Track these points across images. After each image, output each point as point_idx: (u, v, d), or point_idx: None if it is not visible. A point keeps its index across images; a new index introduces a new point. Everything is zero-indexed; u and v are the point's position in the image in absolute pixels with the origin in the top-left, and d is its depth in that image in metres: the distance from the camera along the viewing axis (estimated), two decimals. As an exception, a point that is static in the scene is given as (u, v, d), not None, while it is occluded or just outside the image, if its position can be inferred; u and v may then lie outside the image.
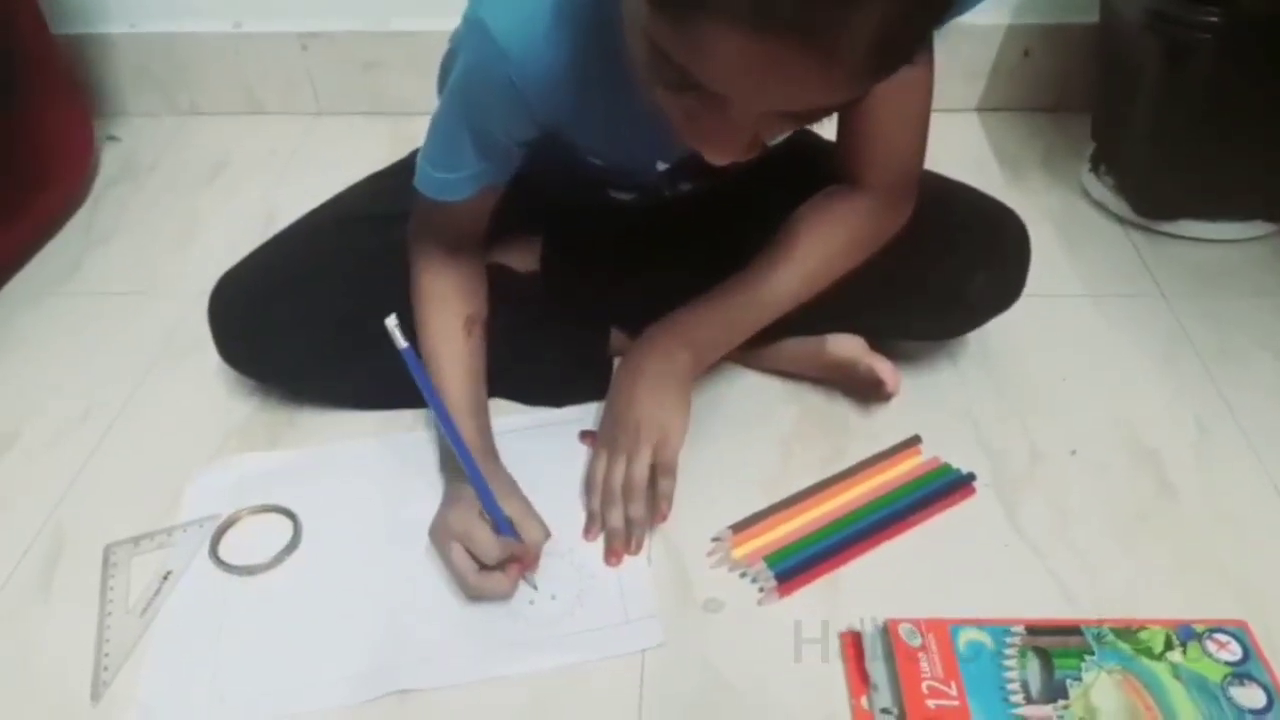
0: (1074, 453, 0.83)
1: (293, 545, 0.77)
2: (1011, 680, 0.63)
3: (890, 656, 0.65)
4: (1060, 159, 1.25)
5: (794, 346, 0.88)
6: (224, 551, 0.76)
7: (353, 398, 0.88)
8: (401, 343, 0.60)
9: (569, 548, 0.75)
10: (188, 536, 0.78)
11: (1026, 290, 0.85)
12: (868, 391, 0.87)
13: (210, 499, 0.81)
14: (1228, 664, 0.64)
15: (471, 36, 0.63)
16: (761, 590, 0.72)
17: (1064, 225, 1.13)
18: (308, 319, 0.82)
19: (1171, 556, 0.75)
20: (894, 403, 0.86)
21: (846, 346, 0.86)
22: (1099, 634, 0.66)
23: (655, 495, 0.74)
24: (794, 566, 0.73)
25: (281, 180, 1.27)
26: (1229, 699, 0.62)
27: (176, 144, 1.37)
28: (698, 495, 0.78)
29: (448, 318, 0.77)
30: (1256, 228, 1.09)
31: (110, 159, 1.33)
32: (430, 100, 0.72)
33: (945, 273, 0.81)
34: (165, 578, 0.74)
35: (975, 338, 0.93)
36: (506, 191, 0.82)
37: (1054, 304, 0.99)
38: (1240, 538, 0.76)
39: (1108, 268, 1.06)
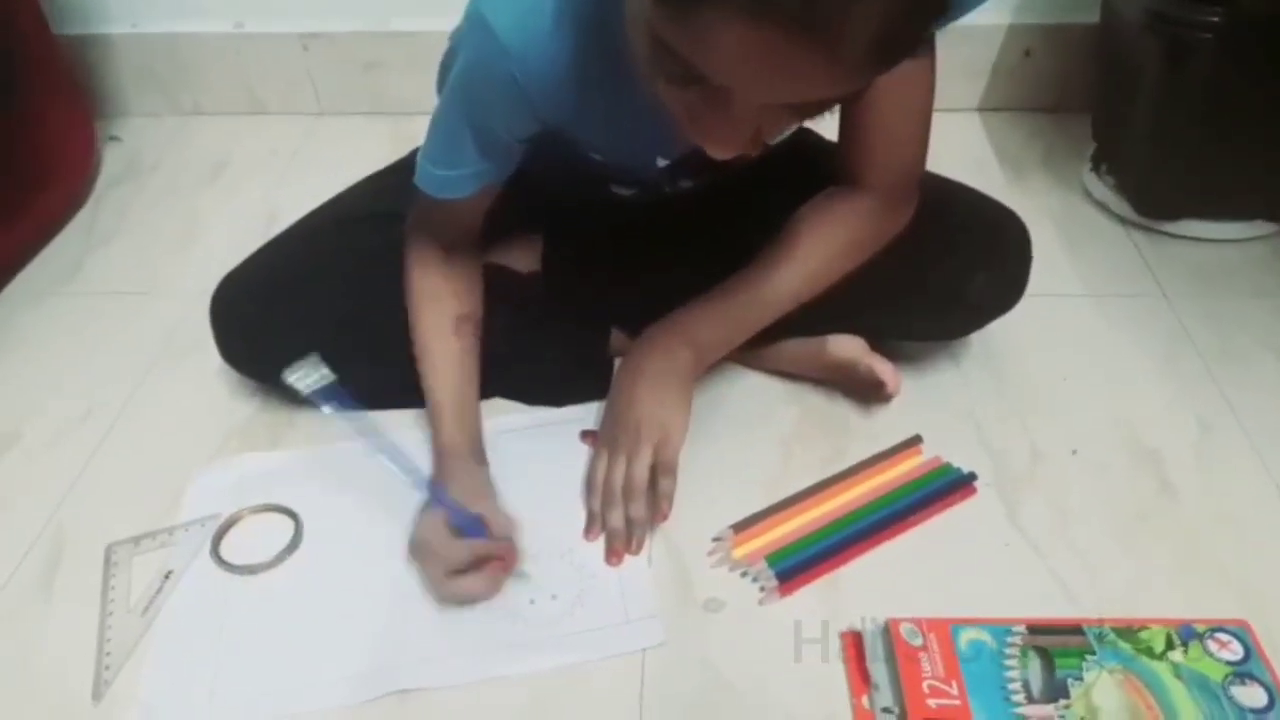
0: (1075, 452, 0.83)
1: (294, 545, 0.77)
2: (1013, 680, 0.63)
3: (891, 656, 0.65)
4: (1061, 159, 1.25)
5: (794, 347, 0.88)
6: (225, 551, 0.77)
7: (353, 398, 0.88)
8: (306, 390, 0.65)
9: (569, 548, 0.75)
10: (189, 536, 0.78)
11: (1027, 290, 0.85)
12: (868, 392, 0.87)
13: (211, 498, 0.81)
14: (1229, 663, 0.64)
15: (473, 33, 0.63)
16: (762, 590, 0.72)
17: (1065, 225, 1.13)
18: (309, 319, 0.82)
19: (1172, 556, 0.75)
20: (895, 403, 0.86)
21: (847, 347, 0.86)
22: (1100, 633, 0.66)
23: (656, 495, 0.74)
24: (795, 566, 0.73)
25: (282, 180, 1.27)
26: (1230, 698, 0.62)
27: (178, 144, 1.37)
28: (698, 495, 0.78)
29: (439, 316, 0.77)
30: (1258, 227, 1.09)
31: (112, 159, 1.33)
32: (431, 100, 0.72)
33: (946, 273, 0.81)
34: (166, 577, 0.74)
35: (976, 338, 0.93)
36: (507, 191, 0.82)
37: (1055, 304, 0.99)
38: (1241, 537, 0.76)
39: (1109, 268, 1.06)
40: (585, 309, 0.90)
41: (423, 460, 0.82)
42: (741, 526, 0.76)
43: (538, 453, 0.82)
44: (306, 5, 1.32)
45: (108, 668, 0.68)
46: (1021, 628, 0.66)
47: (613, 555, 0.74)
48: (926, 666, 0.64)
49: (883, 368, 0.84)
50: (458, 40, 0.68)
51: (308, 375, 0.68)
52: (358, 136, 1.34)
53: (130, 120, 1.41)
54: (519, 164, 0.73)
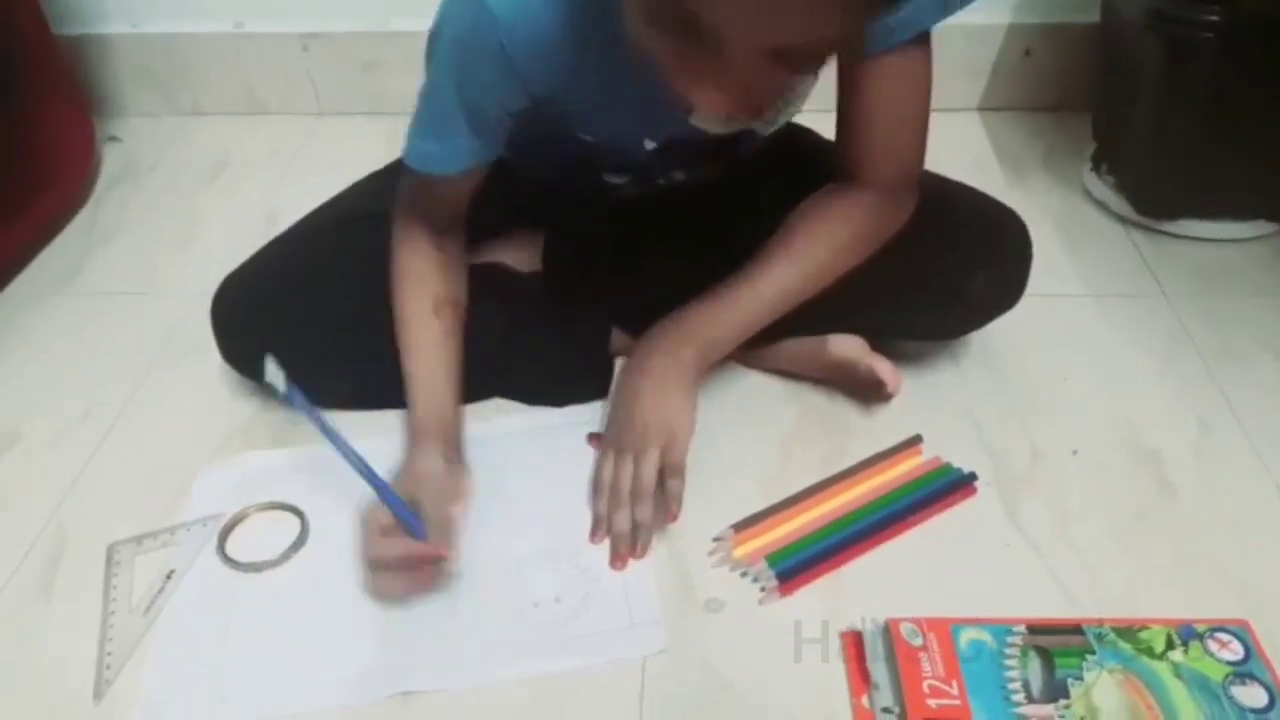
0: (1075, 452, 0.83)
1: (300, 543, 0.76)
2: (1013, 680, 0.63)
3: (891, 656, 0.65)
4: (1061, 158, 1.25)
5: (794, 347, 0.88)
6: (231, 548, 0.76)
7: (354, 397, 0.88)
8: (281, 387, 0.65)
9: (575, 551, 0.75)
10: (191, 535, 0.78)
11: (1027, 290, 0.85)
12: (868, 392, 0.87)
13: (215, 497, 0.81)
14: (1229, 663, 0.64)
15: (462, 2, 0.62)
16: (763, 590, 0.72)
17: (1065, 225, 1.13)
18: (309, 319, 0.82)
19: (1173, 556, 0.75)
20: (895, 402, 0.86)
21: (847, 347, 0.86)
22: (1100, 633, 0.66)
23: (665, 496, 0.73)
24: (795, 566, 0.73)
25: (282, 180, 1.27)
26: (1230, 698, 0.62)
27: (177, 144, 1.37)
28: (699, 495, 0.78)
29: (420, 298, 0.77)
30: (1258, 227, 1.09)
31: (111, 159, 1.33)
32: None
33: (946, 273, 0.81)
34: (168, 577, 0.74)
35: (976, 337, 0.93)
36: (505, 190, 0.82)
37: (1055, 304, 0.99)
38: (1241, 537, 0.76)
39: (1109, 267, 1.06)
40: (586, 308, 0.90)
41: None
42: (742, 526, 0.76)
43: (544, 455, 0.82)
44: (306, 5, 1.33)
45: (109, 667, 0.68)
46: (1021, 627, 0.66)
47: (618, 559, 0.74)
48: (927, 666, 0.64)
49: (882, 367, 0.84)
50: (445, 10, 0.68)
51: (276, 376, 0.67)
52: (358, 136, 1.33)
53: (130, 120, 1.41)
54: (515, 159, 0.73)
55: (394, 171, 0.91)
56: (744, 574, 0.74)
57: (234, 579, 0.74)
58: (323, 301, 0.82)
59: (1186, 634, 0.66)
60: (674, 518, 0.75)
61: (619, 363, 0.91)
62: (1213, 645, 0.65)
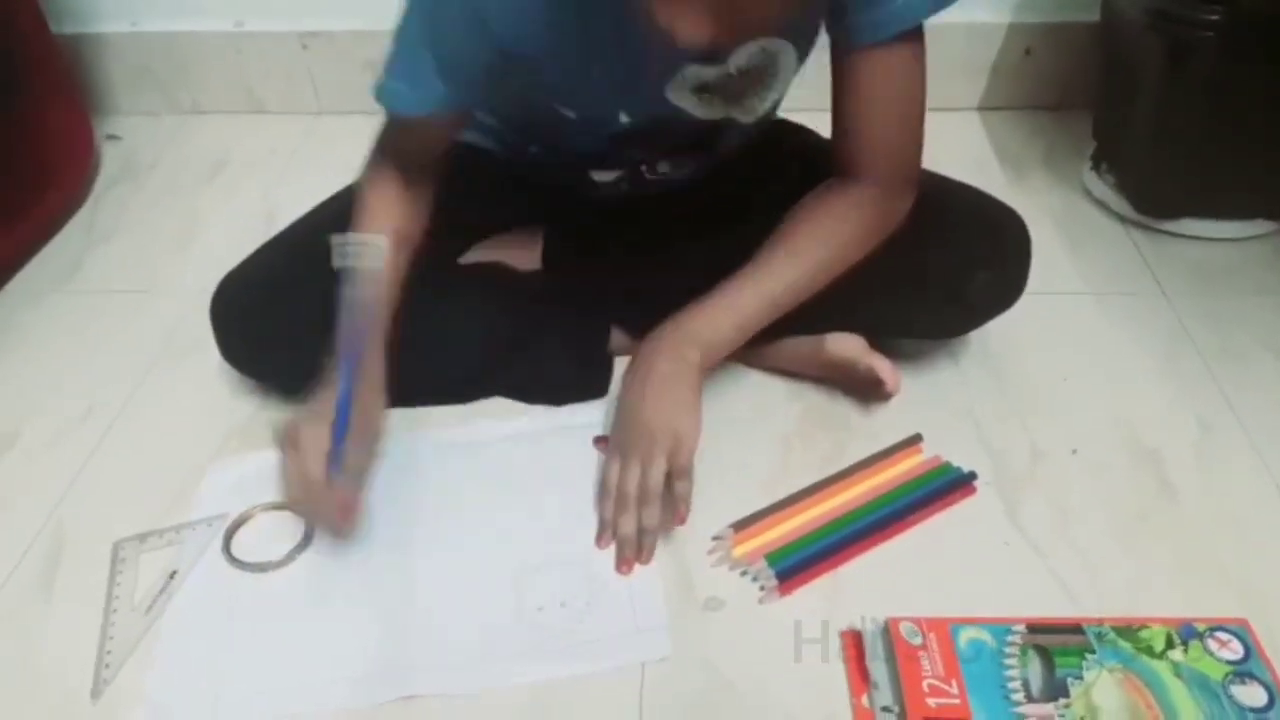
0: (1075, 452, 0.83)
1: (304, 544, 0.76)
2: (1013, 679, 0.63)
3: (891, 655, 0.65)
4: (1061, 158, 1.25)
5: (794, 346, 0.88)
6: (236, 548, 0.76)
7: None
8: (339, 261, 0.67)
9: (581, 555, 0.75)
10: (196, 535, 0.77)
11: (1027, 289, 0.85)
12: (868, 391, 0.87)
13: (221, 497, 0.80)
14: (1229, 662, 0.64)
15: None
16: (762, 589, 0.72)
17: (1065, 224, 1.13)
18: (309, 318, 0.81)
19: (1172, 555, 0.75)
20: (895, 401, 0.86)
21: (846, 346, 0.86)
22: (1100, 632, 0.66)
23: (673, 498, 0.73)
24: (795, 565, 0.73)
25: (282, 179, 1.27)
26: (1230, 697, 0.62)
27: (177, 143, 1.37)
28: (699, 494, 0.78)
29: (380, 227, 0.77)
30: (1258, 226, 1.09)
31: (111, 158, 1.33)
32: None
33: (946, 271, 0.81)
34: (171, 577, 0.74)
35: (976, 336, 0.93)
36: (504, 189, 0.82)
37: (1055, 303, 0.99)
38: (1241, 537, 0.76)
39: (1109, 266, 1.06)
40: (585, 307, 0.90)
41: (436, 461, 0.83)
42: (741, 525, 0.76)
43: (550, 458, 0.82)
44: (306, 4, 1.32)
45: (108, 666, 0.68)
46: (1021, 627, 0.66)
47: (623, 564, 0.73)
48: (926, 666, 0.64)
49: (882, 366, 0.84)
50: None
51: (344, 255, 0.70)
52: (357, 135, 1.31)
53: (129, 119, 1.41)
54: (503, 149, 0.73)
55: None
56: (743, 573, 0.74)
57: (238, 579, 0.74)
58: (322, 299, 0.82)
59: (1186, 633, 0.66)
60: (682, 521, 0.74)
61: (618, 362, 0.91)
62: (1212, 644, 0.65)
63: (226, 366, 0.88)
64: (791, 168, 0.81)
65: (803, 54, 0.76)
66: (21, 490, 0.83)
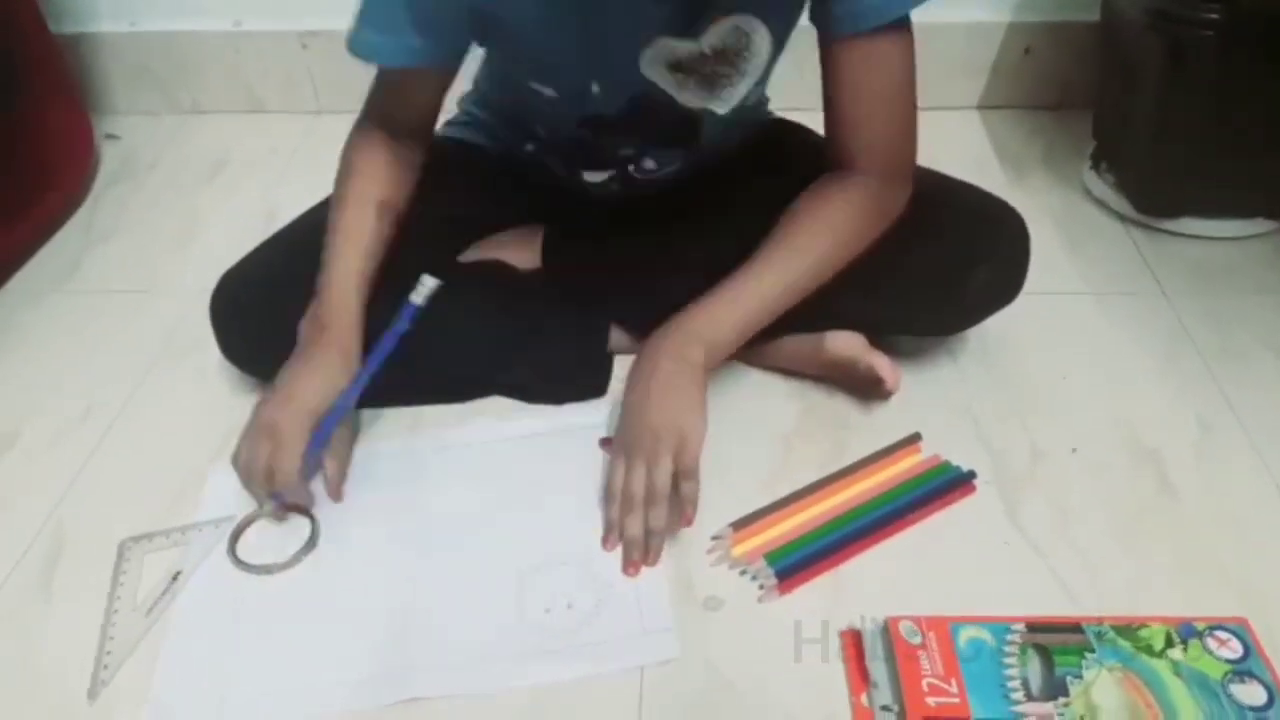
0: (1075, 451, 0.83)
1: (310, 545, 0.76)
2: (1012, 678, 0.63)
3: (890, 654, 0.65)
4: (1061, 157, 1.25)
5: (794, 344, 0.88)
6: (242, 550, 0.76)
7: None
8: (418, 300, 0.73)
9: (587, 556, 0.74)
10: (202, 536, 0.77)
11: (1027, 288, 0.85)
12: (868, 389, 0.87)
13: (227, 498, 0.80)
14: (1228, 661, 0.64)
15: None
16: (762, 588, 0.72)
17: (1065, 223, 1.13)
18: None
19: (1172, 555, 0.75)
20: (894, 400, 0.86)
21: (846, 344, 0.86)
22: (1100, 631, 0.66)
23: (680, 500, 0.72)
24: (794, 564, 0.72)
25: (282, 179, 1.27)
26: (1229, 696, 0.62)
27: (176, 142, 1.37)
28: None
29: (363, 196, 0.78)
30: (1258, 225, 1.09)
31: (110, 158, 1.33)
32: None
33: (945, 268, 0.81)
34: (174, 578, 0.74)
35: (975, 335, 0.92)
36: (503, 187, 0.82)
37: (1055, 302, 0.99)
38: (1241, 536, 0.76)
39: (1109, 266, 1.06)
40: (585, 306, 0.90)
41: (438, 462, 0.83)
42: (741, 524, 0.76)
43: (556, 459, 0.82)
44: (305, 3, 1.32)
45: (106, 666, 0.68)
46: (1021, 626, 0.66)
47: (630, 566, 0.73)
48: (926, 665, 0.64)
49: (882, 364, 0.84)
50: None
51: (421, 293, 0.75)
52: (357, 135, 1.33)
53: (128, 119, 1.41)
54: (494, 140, 0.72)
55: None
56: (743, 572, 0.74)
57: (244, 581, 0.74)
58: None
59: (1186, 632, 0.66)
60: (689, 522, 0.74)
61: (618, 361, 0.91)
62: (1212, 643, 0.65)
63: (226, 366, 0.88)
64: (790, 166, 0.81)
65: (778, 38, 0.76)
66: (21, 490, 0.83)
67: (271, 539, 0.77)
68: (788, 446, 0.84)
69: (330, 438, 0.76)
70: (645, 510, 0.72)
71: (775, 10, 0.74)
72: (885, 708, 0.63)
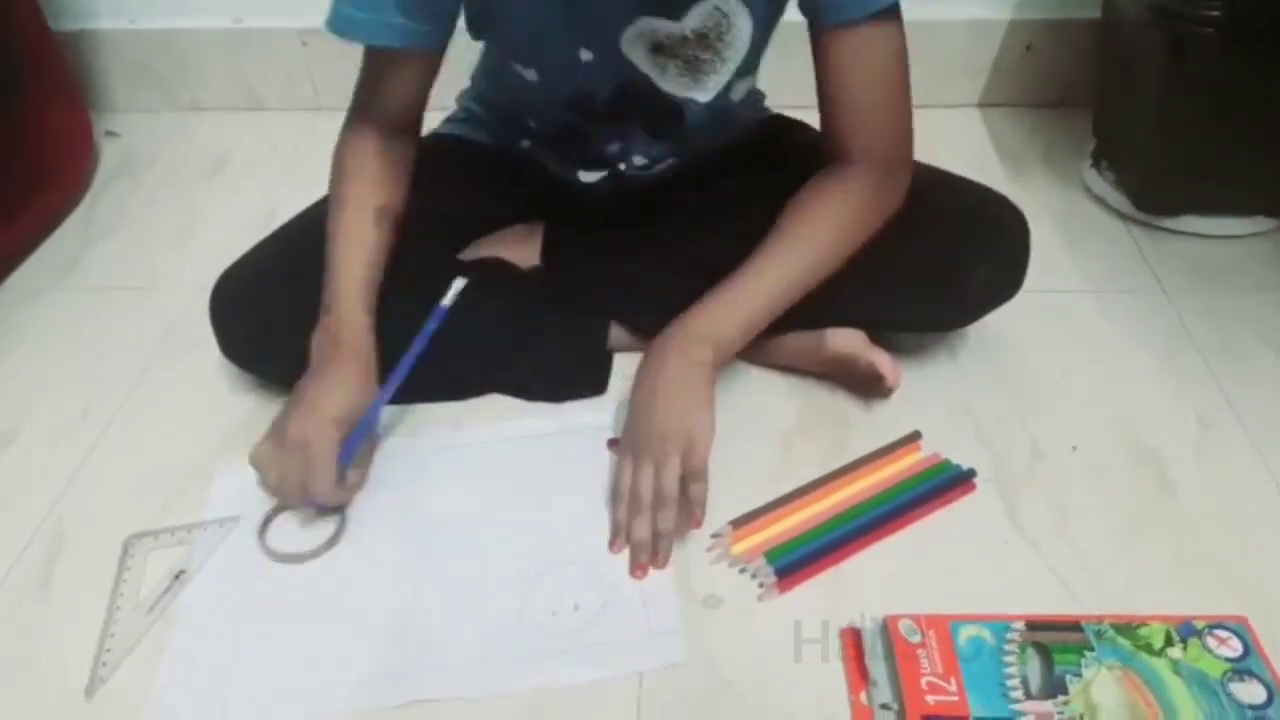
0: (1075, 449, 0.83)
1: (334, 540, 0.76)
2: (1011, 676, 0.63)
3: (890, 653, 0.65)
4: (1062, 155, 1.25)
5: (794, 341, 0.87)
6: (272, 538, 0.76)
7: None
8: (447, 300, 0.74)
9: (594, 558, 0.74)
10: (207, 535, 0.77)
11: (1027, 286, 0.84)
12: (868, 386, 0.87)
13: (232, 499, 0.79)
14: (1228, 660, 0.64)
15: None
16: (761, 586, 0.72)
17: (1065, 221, 1.13)
18: (309, 313, 0.81)
19: (1172, 553, 0.74)
20: (894, 398, 0.86)
21: (847, 341, 0.86)
22: (1099, 630, 0.66)
23: (688, 501, 0.72)
24: (794, 562, 0.72)
25: (282, 176, 1.27)
26: (1229, 695, 0.62)
27: (176, 140, 1.37)
28: (697, 491, 0.78)
29: (362, 203, 0.78)
30: (1258, 223, 1.09)
31: (109, 155, 1.33)
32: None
33: (945, 264, 0.81)
34: (177, 577, 0.74)
35: (975, 333, 0.92)
36: (503, 185, 0.82)
37: (1055, 300, 0.99)
38: (1241, 535, 0.76)
39: (1109, 263, 1.06)
40: (585, 304, 0.90)
41: (441, 464, 0.83)
42: (740, 522, 0.76)
43: (563, 460, 0.81)
44: (305, 0, 1.32)
45: (105, 664, 0.68)
46: (1020, 624, 0.66)
47: (637, 568, 0.72)
48: (925, 663, 0.64)
49: (882, 361, 0.84)
50: None
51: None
52: (357, 132, 1.33)
53: (127, 116, 1.41)
54: (504, 146, 0.72)
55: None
56: (742, 570, 0.74)
57: (247, 581, 0.73)
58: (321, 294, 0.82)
59: (1185, 631, 0.66)
60: (698, 524, 0.73)
61: (617, 358, 0.91)
62: (1211, 642, 0.65)
63: (226, 364, 0.88)
64: (789, 162, 0.81)
65: (758, 23, 0.76)
66: (20, 488, 0.83)
67: (295, 530, 0.77)
68: (788, 444, 0.84)
69: (359, 449, 0.75)
70: (653, 512, 0.71)
71: None
72: (885, 706, 0.63)
